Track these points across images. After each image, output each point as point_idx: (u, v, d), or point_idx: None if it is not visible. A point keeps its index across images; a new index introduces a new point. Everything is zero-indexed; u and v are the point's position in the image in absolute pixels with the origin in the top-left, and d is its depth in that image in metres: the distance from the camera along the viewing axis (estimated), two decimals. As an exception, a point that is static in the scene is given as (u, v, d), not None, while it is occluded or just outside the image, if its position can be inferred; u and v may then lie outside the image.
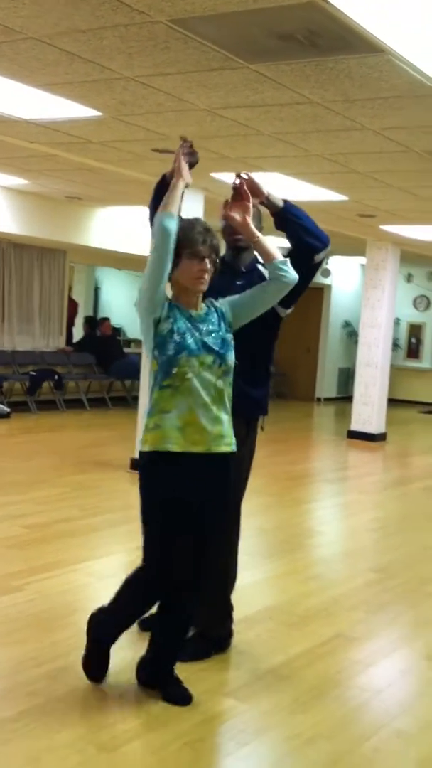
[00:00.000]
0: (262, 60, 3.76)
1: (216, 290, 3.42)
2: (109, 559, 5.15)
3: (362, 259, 11.35)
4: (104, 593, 4.51)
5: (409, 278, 16.18)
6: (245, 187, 3.33)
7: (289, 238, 3.54)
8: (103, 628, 3.36)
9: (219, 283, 3.44)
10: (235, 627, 3.74)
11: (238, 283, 3.50)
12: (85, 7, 3.28)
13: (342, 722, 3.21)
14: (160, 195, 3.50)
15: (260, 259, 3.57)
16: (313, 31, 3.33)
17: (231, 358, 3.18)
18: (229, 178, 6.73)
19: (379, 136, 4.96)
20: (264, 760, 2.97)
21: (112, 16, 3.36)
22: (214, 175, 6.76)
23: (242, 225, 3.29)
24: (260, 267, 3.56)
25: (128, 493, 6.87)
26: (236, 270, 3.59)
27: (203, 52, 3.72)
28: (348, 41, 3.41)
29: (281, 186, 7.04)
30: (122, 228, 10.97)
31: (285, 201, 3.51)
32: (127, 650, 3.67)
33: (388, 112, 4.41)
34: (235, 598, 3.78)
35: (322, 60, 3.68)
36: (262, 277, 3.44)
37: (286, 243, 3.59)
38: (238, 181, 3.35)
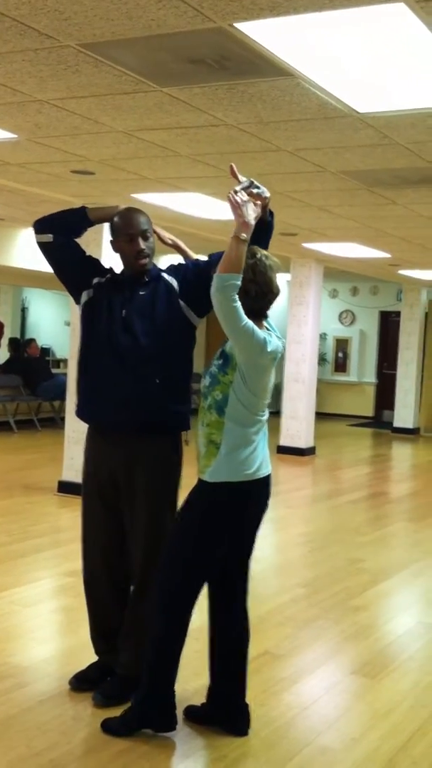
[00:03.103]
0: (174, 83, 3.78)
1: (118, 302, 3.43)
2: (35, 585, 5.07)
3: (288, 276, 11.48)
4: (29, 622, 4.46)
5: (333, 294, 16.43)
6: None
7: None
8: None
9: (122, 296, 3.45)
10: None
11: (141, 293, 3.46)
12: (-8, 31, 3.26)
13: (268, 742, 3.22)
14: (63, 219, 3.51)
15: (162, 268, 3.57)
16: (222, 55, 3.37)
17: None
18: (150, 198, 6.78)
19: (294, 157, 5.03)
20: (189, 784, 2.95)
21: (20, 41, 3.35)
22: (134, 195, 6.77)
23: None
24: (165, 276, 3.50)
25: (56, 517, 6.80)
26: (141, 282, 3.50)
27: (115, 76, 3.73)
28: (257, 65, 3.46)
29: (204, 206, 7.09)
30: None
31: (271, 213, 3.31)
32: (38, 686, 3.64)
33: (301, 133, 4.48)
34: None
35: (234, 83, 3.72)
36: (168, 288, 3.45)
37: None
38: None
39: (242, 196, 2.98)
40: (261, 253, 3.12)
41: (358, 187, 5.89)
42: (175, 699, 3.22)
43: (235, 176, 3.12)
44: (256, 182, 3.08)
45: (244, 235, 2.94)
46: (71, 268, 3.61)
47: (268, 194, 3.13)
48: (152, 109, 4.21)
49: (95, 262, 3.64)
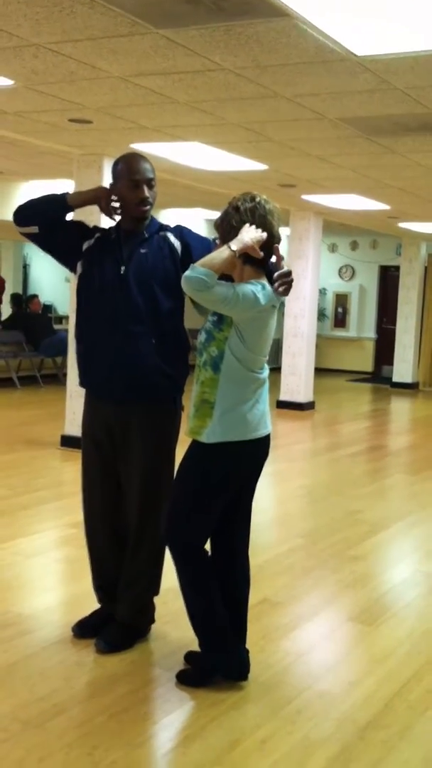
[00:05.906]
0: (170, 25, 3.70)
1: (116, 261, 3.36)
2: (37, 536, 5.10)
3: (287, 230, 11.38)
4: (31, 571, 4.49)
5: (333, 248, 16.31)
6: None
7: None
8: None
9: (120, 253, 3.37)
10: (161, 598, 3.72)
11: (142, 251, 3.38)
12: (-16, -30, 3.19)
13: (266, 686, 3.25)
14: (44, 210, 3.41)
15: (167, 225, 3.50)
16: (218, -6, 3.30)
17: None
18: (149, 148, 6.68)
19: (292, 103, 4.95)
20: (189, 727, 2.98)
21: (13, -19, 3.28)
22: (133, 145, 6.68)
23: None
24: (170, 236, 3.42)
25: (59, 471, 6.82)
26: (140, 239, 3.42)
27: (110, 17, 3.65)
28: (253, 5, 3.38)
29: (203, 157, 7.00)
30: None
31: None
32: (41, 633, 3.67)
33: (299, 78, 4.40)
34: (164, 567, 3.74)
35: (230, 25, 3.64)
36: (171, 249, 3.38)
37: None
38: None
39: (256, 234, 3.00)
40: (261, 197, 3.08)
41: (357, 135, 5.81)
42: (238, 646, 3.26)
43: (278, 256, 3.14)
44: (289, 273, 3.11)
45: (233, 246, 2.96)
46: (61, 247, 3.51)
47: (289, 276, 3.10)
48: (148, 53, 4.13)
49: (80, 226, 3.53)
